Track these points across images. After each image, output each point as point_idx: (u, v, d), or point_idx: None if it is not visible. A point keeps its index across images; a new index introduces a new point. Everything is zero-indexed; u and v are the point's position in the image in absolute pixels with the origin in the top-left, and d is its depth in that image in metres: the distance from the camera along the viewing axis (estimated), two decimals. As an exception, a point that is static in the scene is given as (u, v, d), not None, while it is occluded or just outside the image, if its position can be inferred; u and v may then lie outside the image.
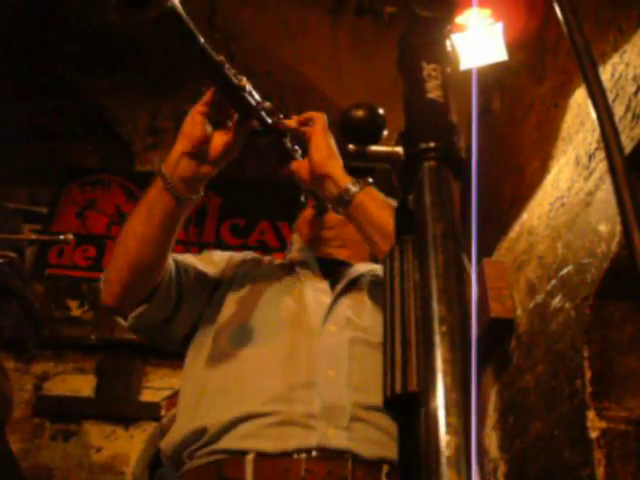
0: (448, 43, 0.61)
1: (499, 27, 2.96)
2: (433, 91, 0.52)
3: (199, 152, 1.34)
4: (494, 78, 3.61)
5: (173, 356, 4.97)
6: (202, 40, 1.13)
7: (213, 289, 1.61)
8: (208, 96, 1.33)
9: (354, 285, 1.61)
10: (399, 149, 0.52)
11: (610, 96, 2.57)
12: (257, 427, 1.31)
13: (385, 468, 1.31)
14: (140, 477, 4.68)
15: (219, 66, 1.21)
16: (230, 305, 1.55)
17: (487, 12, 2.90)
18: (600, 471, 2.35)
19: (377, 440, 1.33)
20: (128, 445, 4.63)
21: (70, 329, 4.86)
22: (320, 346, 1.43)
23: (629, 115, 2.41)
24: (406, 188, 0.51)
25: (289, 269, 1.66)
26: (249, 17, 4.24)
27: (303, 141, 1.45)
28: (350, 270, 1.65)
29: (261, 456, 1.27)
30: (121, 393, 4.71)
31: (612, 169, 0.42)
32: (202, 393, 1.43)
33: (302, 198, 1.79)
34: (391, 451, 1.32)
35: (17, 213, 2.46)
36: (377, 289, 1.60)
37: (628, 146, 2.36)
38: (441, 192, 0.46)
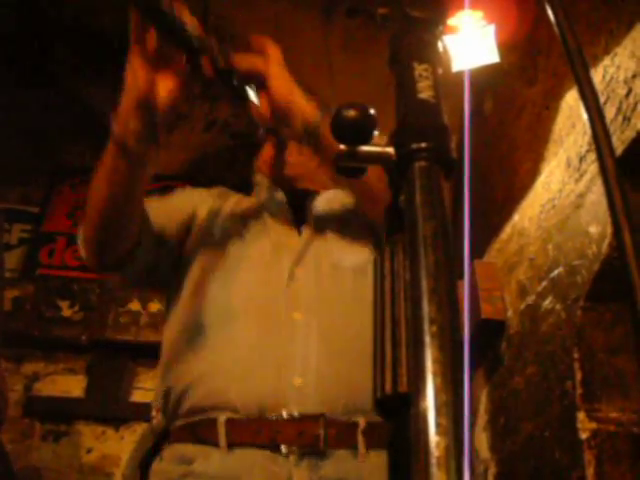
0: (440, 44, 0.61)
1: (491, 29, 2.96)
2: (424, 91, 0.52)
3: (146, 103, 1.28)
4: (486, 80, 3.62)
5: (164, 357, 4.97)
6: None
7: (185, 233, 1.61)
8: (149, 40, 1.25)
9: (321, 222, 1.60)
10: (390, 149, 0.52)
11: (601, 98, 2.58)
12: (221, 380, 1.34)
13: (361, 424, 1.30)
14: (130, 478, 4.66)
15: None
16: (199, 257, 1.55)
17: (479, 14, 2.91)
18: (590, 472, 2.35)
19: (349, 397, 1.33)
20: (118, 446, 4.61)
21: (61, 329, 4.83)
22: (289, 293, 1.44)
23: (620, 118, 2.42)
24: (397, 188, 0.51)
25: (257, 213, 1.64)
26: (241, 18, 4.23)
27: (258, 77, 1.35)
28: (316, 202, 1.64)
29: (232, 419, 1.29)
30: (112, 394, 4.70)
31: (603, 170, 0.42)
32: (173, 352, 1.45)
33: (259, 133, 1.74)
34: (365, 406, 1.31)
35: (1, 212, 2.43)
36: (343, 219, 1.60)
37: (619, 148, 2.37)
38: (432, 192, 0.46)
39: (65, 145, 5.72)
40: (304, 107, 1.32)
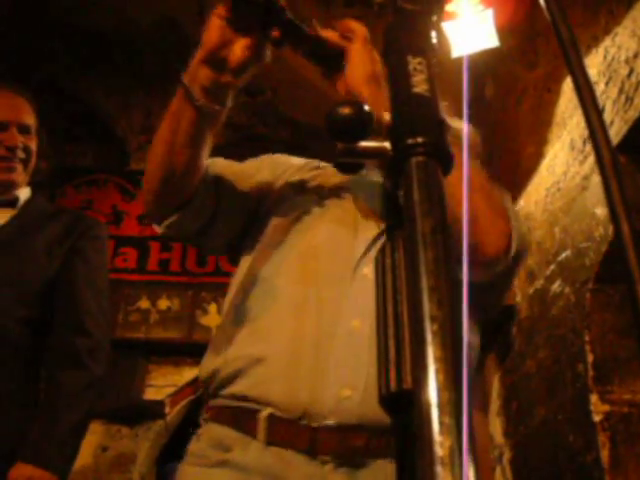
0: (434, 34, 0.60)
1: (489, 13, 2.95)
2: (419, 85, 0.52)
3: (216, 59, 1.27)
4: (486, 65, 3.60)
5: (175, 353, 4.99)
6: None
7: (256, 203, 1.55)
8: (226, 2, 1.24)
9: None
10: (387, 144, 0.52)
11: (603, 79, 2.57)
12: (270, 375, 1.28)
13: None
14: (147, 475, 4.69)
15: None
16: (271, 229, 1.49)
17: (477, -1, 2.89)
18: (604, 454, 2.35)
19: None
20: (134, 444, 4.64)
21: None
22: (351, 294, 1.34)
23: (622, 98, 2.41)
24: (395, 184, 0.51)
25: (345, 192, 1.52)
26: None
27: (341, 52, 1.29)
28: None
29: (274, 416, 1.25)
30: (124, 392, 4.72)
31: (600, 162, 0.41)
32: (228, 327, 1.41)
33: None
34: None
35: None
36: None
37: (622, 128, 2.35)
38: (430, 187, 0.46)
39: (68, 145, 5.73)
40: (373, 103, 1.26)
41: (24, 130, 2.24)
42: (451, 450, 0.35)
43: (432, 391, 0.37)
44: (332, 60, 1.29)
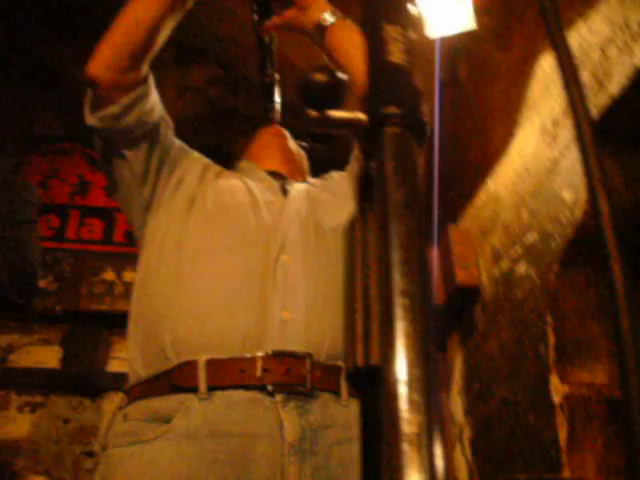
0: (413, 8, 0.59)
1: (466, -7, 2.92)
2: (396, 55, 0.50)
3: None
4: (460, 45, 3.59)
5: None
6: None
7: (172, 168, 1.64)
8: None
9: (304, 188, 1.69)
10: (361, 114, 0.50)
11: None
12: (204, 318, 1.28)
13: (343, 370, 1.27)
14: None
15: None
16: (182, 211, 1.54)
17: (454, -23, 2.86)
18: (562, 434, 2.39)
19: (332, 342, 1.30)
20: (96, 416, 4.61)
21: (35, 300, 4.78)
22: (277, 238, 1.44)
23: (594, 83, 2.42)
24: (368, 155, 0.50)
25: (238, 179, 1.67)
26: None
27: None
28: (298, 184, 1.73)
29: (213, 361, 1.21)
30: (88, 364, 4.68)
31: (579, 134, 0.40)
32: (149, 309, 1.41)
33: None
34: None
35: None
36: (330, 187, 1.71)
37: (593, 114, 2.36)
38: (403, 159, 0.45)
39: (35, 114, 5.62)
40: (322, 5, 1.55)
41: None
42: (419, 427, 0.34)
43: (401, 367, 0.36)
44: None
